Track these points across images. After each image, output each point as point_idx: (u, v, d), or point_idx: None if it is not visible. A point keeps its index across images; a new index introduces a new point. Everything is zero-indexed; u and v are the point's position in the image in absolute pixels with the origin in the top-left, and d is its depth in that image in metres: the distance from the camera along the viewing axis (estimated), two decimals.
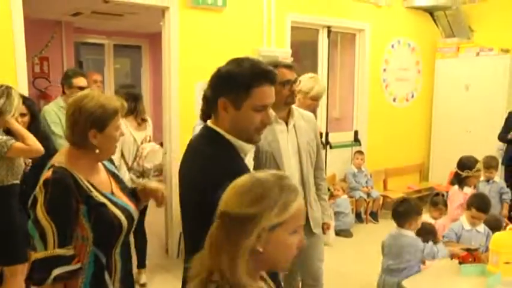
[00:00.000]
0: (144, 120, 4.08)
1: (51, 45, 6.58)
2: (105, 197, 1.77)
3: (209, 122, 1.69)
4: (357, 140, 6.23)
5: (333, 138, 6.00)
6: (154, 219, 5.12)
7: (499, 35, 6.32)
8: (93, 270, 1.72)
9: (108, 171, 1.91)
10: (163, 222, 4.78)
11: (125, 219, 1.77)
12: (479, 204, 3.13)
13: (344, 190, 5.65)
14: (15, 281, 2.98)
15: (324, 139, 5.87)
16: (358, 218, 5.89)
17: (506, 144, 5.30)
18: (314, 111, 3.30)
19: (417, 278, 2.74)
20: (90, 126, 1.73)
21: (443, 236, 3.15)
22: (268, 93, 1.62)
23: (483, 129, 6.05)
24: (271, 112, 2.68)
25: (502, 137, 5.27)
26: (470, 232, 3.07)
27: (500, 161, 5.12)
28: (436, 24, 6.76)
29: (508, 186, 4.80)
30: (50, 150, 3.47)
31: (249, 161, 1.75)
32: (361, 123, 6.25)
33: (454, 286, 2.64)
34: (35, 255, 1.60)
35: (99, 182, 1.79)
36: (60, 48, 6.70)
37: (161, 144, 4.60)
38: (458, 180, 3.63)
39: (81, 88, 3.83)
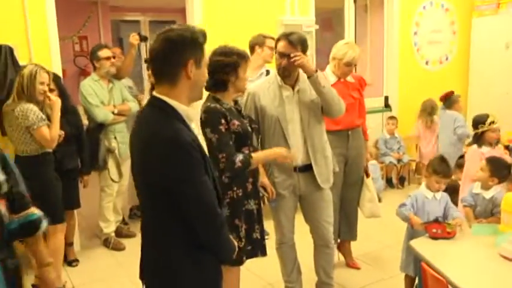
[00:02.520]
0: None
1: (88, 25, 6.88)
2: None
3: (159, 95, 1.68)
4: (387, 106, 6.18)
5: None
6: None
7: None
8: None
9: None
10: None
11: None
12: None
13: (373, 155, 5.64)
14: (55, 238, 3.28)
15: None
16: (389, 183, 5.90)
17: None
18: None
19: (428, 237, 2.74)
20: None
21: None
22: None
23: None
24: (278, 78, 2.79)
25: None
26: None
27: None
28: None
29: None
30: (78, 124, 3.76)
31: (194, 128, 1.75)
32: (391, 88, 6.18)
33: (465, 244, 2.64)
34: None
35: None
36: (97, 27, 6.99)
37: None
38: (476, 139, 3.58)
39: (108, 58, 4.07)
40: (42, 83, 3.30)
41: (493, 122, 3.49)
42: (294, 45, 2.70)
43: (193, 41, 1.66)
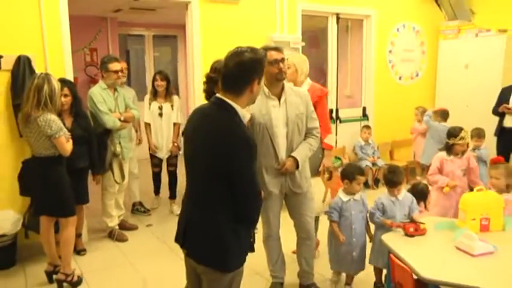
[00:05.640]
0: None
1: (98, 38, 6.89)
2: None
3: (225, 98, 1.91)
4: (365, 115, 6.27)
5: (344, 113, 6.09)
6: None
7: (498, 17, 6.14)
8: None
9: None
10: None
11: None
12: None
13: (351, 160, 5.71)
14: (67, 230, 3.29)
15: (334, 114, 5.97)
16: (365, 184, 5.96)
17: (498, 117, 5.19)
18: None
19: (396, 232, 2.79)
20: None
21: None
22: None
23: (480, 104, 5.92)
24: (265, 89, 2.84)
25: (494, 111, 5.18)
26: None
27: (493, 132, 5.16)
28: (440, 8, 6.60)
29: (498, 152, 5.01)
30: (89, 127, 3.76)
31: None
32: (368, 100, 6.27)
33: (428, 238, 2.71)
34: None
35: None
36: (106, 40, 7.00)
37: None
38: (447, 148, 3.64)
39: (116, 72, 4.04)
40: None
41: (462, 138, 3.54)
42: (281, 51, 2.80)
43: (259, 64, 1.94)
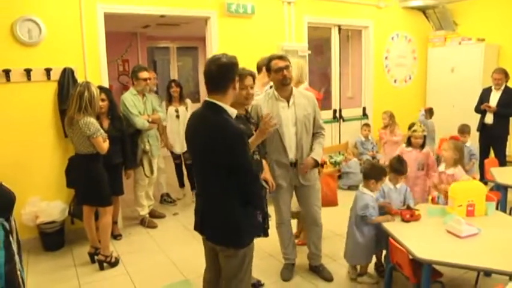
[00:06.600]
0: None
1: (130, 50, 6.95)
2: None
3: (213, 100, 1.94)
4: (364, 114, 6.23)
5: (346, 113, 6.06)
6: None
7: (477, 28, 6.16)
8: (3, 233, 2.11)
9: None
10: None
11: None
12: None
13: (354, 154, 5.69)
14: (105, 218, 3.34)
15: (337, 114, 5.95)
16: None
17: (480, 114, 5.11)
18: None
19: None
20: None
21: None
22: None
23: (464, 103, 5.86)
24: (275, 93, 2.80)
25: (476, 109, 5.13)
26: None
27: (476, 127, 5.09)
28: (428, 20, 6.57)
29: (481, 146, 4.99)
30: (122, 128, 3.78)
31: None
32: (368, 101, 6.23)
33: (422, 223, 2.71)
34: None
35: None
36: (136, 52, 7.06)
37: None
38: (407, 140, 3.57)
39: (145, 79, 4.07)
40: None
41: (414, 131, 3.46)
42: (285, 59, 2.74)
43: (236, 65, 1.98)
